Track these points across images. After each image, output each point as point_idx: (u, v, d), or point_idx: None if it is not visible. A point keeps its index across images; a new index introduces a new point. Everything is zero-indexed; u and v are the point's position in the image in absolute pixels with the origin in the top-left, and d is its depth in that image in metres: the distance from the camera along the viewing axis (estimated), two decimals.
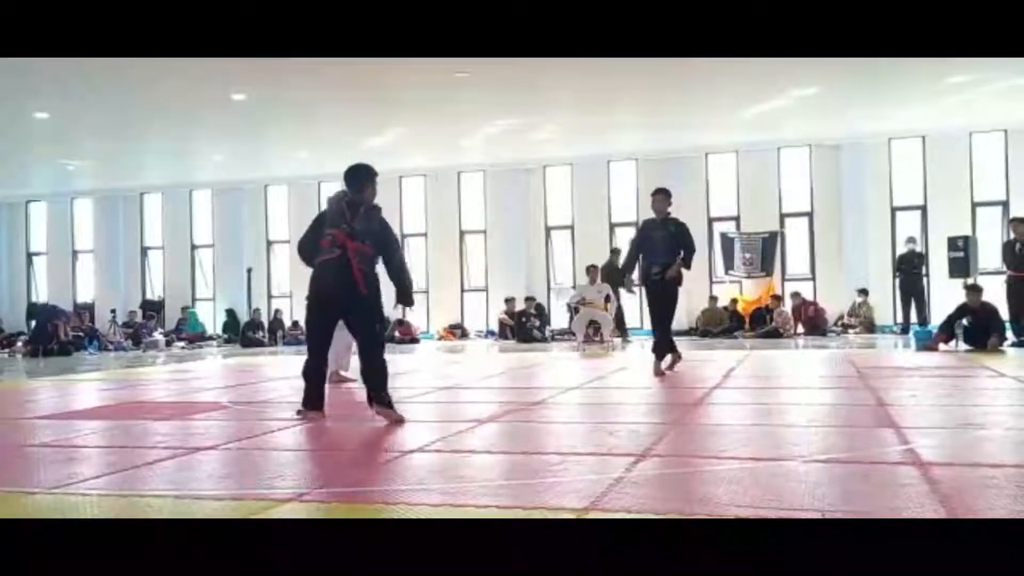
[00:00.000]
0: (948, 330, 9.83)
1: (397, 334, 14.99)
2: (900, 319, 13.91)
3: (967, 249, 12.07)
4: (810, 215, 15.20)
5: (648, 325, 15.24)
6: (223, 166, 16.46)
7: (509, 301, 15.49)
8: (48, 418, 5.47)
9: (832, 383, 6.66)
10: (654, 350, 7.23)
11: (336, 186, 18.77)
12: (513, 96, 11.81)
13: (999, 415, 4.69)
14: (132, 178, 17.60)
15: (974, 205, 14.38)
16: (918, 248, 13.90)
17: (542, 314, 15.29)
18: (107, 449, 4.27)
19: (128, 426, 5.03)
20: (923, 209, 14.64)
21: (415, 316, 15.48)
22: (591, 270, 12.67)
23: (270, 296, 17.77)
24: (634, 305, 15.68)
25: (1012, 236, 11.40)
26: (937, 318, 11.97)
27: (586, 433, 4.57)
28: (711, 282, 15.46)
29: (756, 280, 15.01)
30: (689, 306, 15.25)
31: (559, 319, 15.54)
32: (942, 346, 9.70)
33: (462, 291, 16.83)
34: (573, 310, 13.49)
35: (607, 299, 11.93)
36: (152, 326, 16.81)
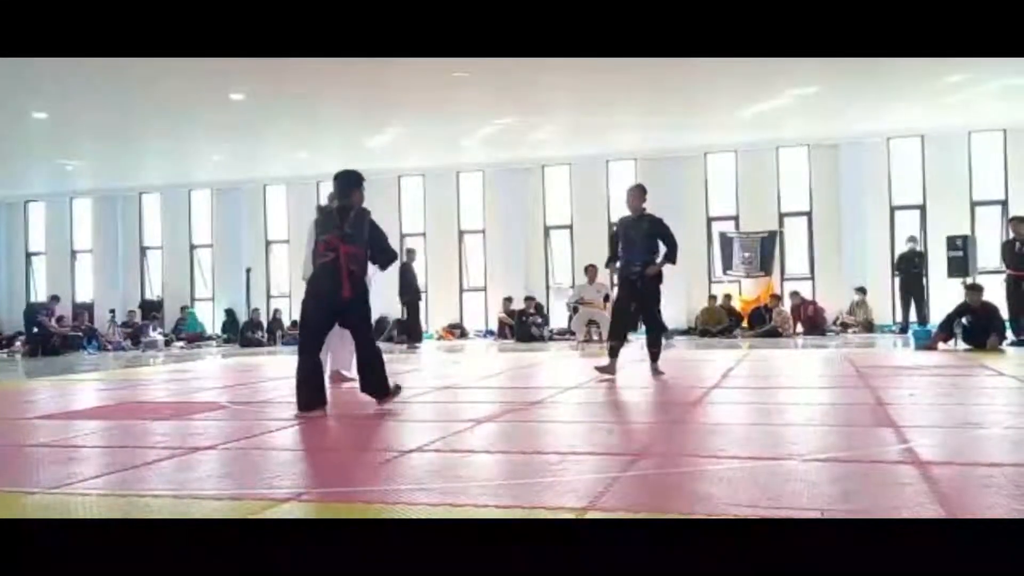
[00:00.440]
0: (947, 329, 9.83)
1: (396, 334, 14.99)
2: (899, 318, 13.91)
3: (966, 248, 12.08)
4: (809, 214, 15.21)
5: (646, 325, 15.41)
6: (222, 166, 16.46)
7: (507, 301, 15.50)
8: (47, 418, 5.47)
9: (831, 382, 6.66)
10: (650, 347, 7.09)
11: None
12: (512, 96, 11.81)
13: (998, 414, 4.69)
14: (131, 178, 17.59)
15: (973, 204, 14.39)
16: (918, 247, 13.92)
17: (541, 313, 15.29)
18: (106, 449, 4.27)
19: (127, 426, 5.03)
20: (922, 208, 14.65)
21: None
22: (590, 270, 12.68)
23: (269, 296, 17.77)
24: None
25: (1011, 235, 11.41)
26: (936, 317, 11.98)
27: (585, 432, 4.57)
28: (710, 281, 15.47)
29: (755, 280, 15.02)
30: (688, 305, 15.29)
31: (558, 319, 15.55)
32: (941, 345, 9.71)
33: (461, 291, 16.84)
34: (572, 309, 13.51)
35: (606, 298, 11.94)
36: (152, 326, 16.79)
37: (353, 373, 6.68)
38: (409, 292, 13.32)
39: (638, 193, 7.06)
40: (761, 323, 14.10)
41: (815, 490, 2.86)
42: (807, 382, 6.82)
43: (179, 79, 10.32)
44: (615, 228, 7.27)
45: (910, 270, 13.65)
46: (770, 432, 4.34)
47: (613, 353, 6.92)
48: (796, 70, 10.68)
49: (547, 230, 16.50)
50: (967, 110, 13.07)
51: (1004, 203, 14.16)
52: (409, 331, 13.59)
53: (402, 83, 10.79)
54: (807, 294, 14.82)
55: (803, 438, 3.97)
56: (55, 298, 16.78)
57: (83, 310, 17.89)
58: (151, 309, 17.70)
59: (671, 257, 6.96)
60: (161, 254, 18.74)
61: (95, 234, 18.92)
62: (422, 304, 14.26)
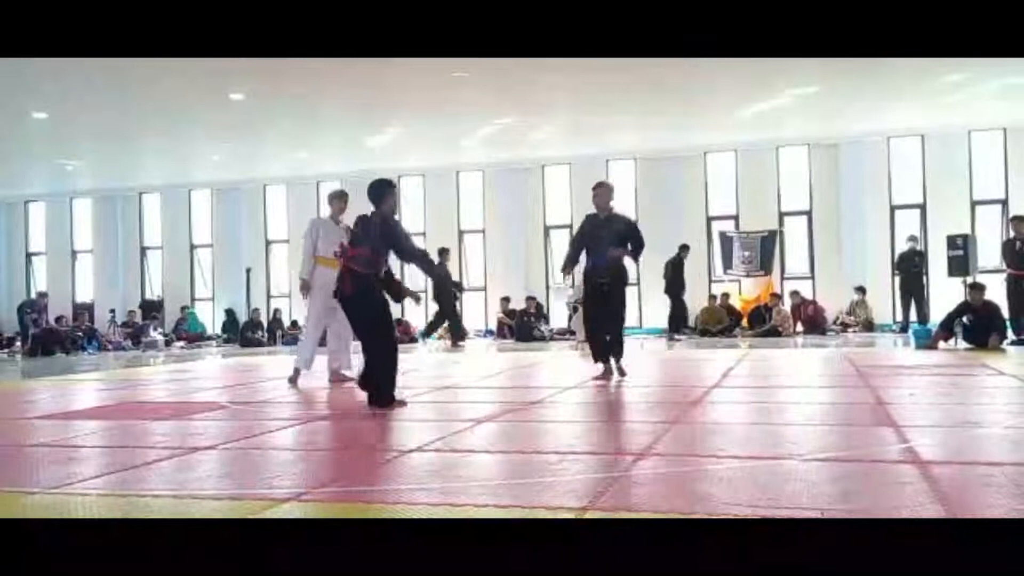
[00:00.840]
0: (948, 328, 9.82)
1: (396, 333, 14.98)
2: (899, 317, 13.92)
3: (966, 247, 12.08)
4: (809, 214, 15.21)
5: (646, 324, 15.43)
6: (222, 166, 16.46)
7: (505, 301, 15.49)
8: (47, 418, 5.47)
9: (831, 382, 6.66)
10: (596, 353, 6.69)
11: (335, 185, 18.68)
12: (512, 95, 11.81)
13: (998, 413, 4.69)
14: (131, 178, 17.59)
15: (973, 203, 14.39)
16: (918, 246, 13.92)
17: (541, 313, 15.30)
18: (106, 449, 4.27)
19: (127, 426, 5.03)
20: (922, 207, 14.65)
21: (414, 316, 15.48)
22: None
23: (269, 296, 17.77)
24: (631, 304, 15.72)
25: (1012, 234, 11.41)
26: (936, 317, 11.98)
27: (585, 432, 4.57)
28: (710, 281, 15.48)
29: (755, 279, 15.02)
30: (689, 305, 15.29)
31: (558, 318, 15.55)
32: (941, 344, 9.70)
33: (460, 290, 16.83)
34: (572, 309, 13.51)
35: None
36: (152, 326, 16.80)
37: (353, 373, 6.70)
38: (443, 292, 13.40)
39: (606, 192, 6.68)
40: (761, 322, 14.10)
41: (815, 490, 2.86)
42: (807, 381, 6.82)
43: (179, 79, 10.32)
44: (578, 228, 6.92)
45: (910, 269, 13.64)
46: (770, 432, 4.35)
47: (603, 357, 6.69)
48: (796, 70, 10.68)
49: (547, 230, 16.50)
50: (967, 109, 13.07)
51: (1004, 202, 14.16)
52: (451, 330, 13.74)
53: (402, 83, 10.79)
54: (807, 293, 14.82)
55: (803, 438, 3.97)
56: (42, 294, 16.78)
57: (83, 310, 17.89)
58: (151, 309, 17.71)
59: (635, 255, 6.66)
60: (161, 254, 18.74)
61: (95, 234, 18.93)
62: (420, 304, 14.29)
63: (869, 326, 14.15)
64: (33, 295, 18.99)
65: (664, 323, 15.05)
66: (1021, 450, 3.60)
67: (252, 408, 5.72)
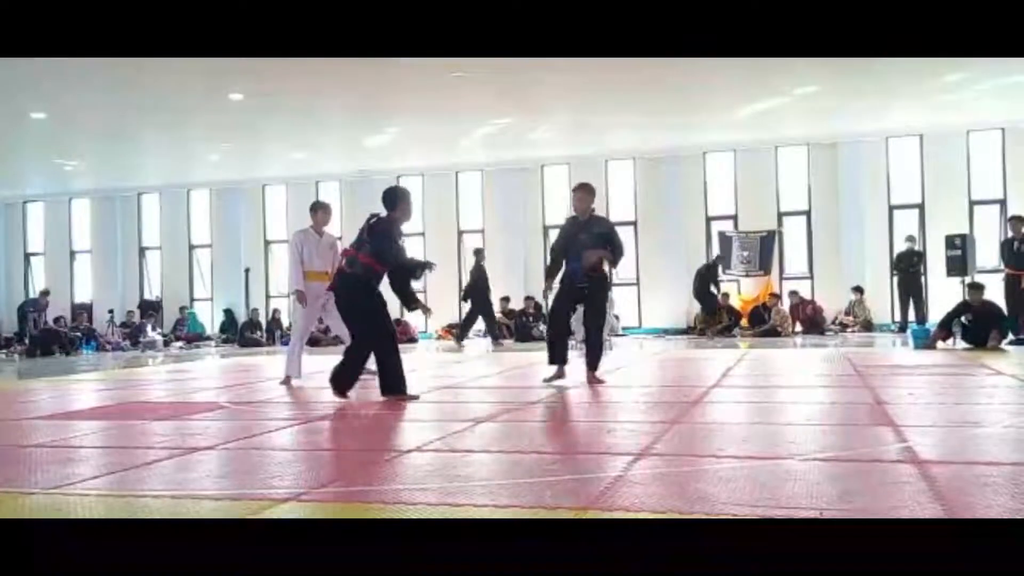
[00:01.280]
0: (947, 328, 9.83)
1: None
2: (898, 317, 13.92)
3: (965, 247, 12.09)
4: (808, 214, 15.22)
5: (647, 324, 15.43)
6: (221, 166, 16.46)
7: (504, 301, 15.49)
8: (46, 418, 5.47)
9: (830, 381, 6.66)
10: (589, 353, 6.48)
11: (334, 185, 18.59)
12: (511, 95, 11.81)
13: (997, 413, 4.70)
14: (130, 178, 17.58)
15: (972, 203, 14.40)
16: (916, 246, 13.93)
17: (540, 313, 15.29)
18: (105, 449, 4.27)
19: (126, 426, 5.03)
20: (921, 207, 14.66)
21: (413, 316, 15.47)
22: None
23: (268, 296, 17.76)
24: (631, 304, 15.72)
25: (1010, 234, 11.42)
26: (935, 316, 11.99)
27: (584, 432, 4.58)
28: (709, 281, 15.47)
29: (754, 279, 15.03)
30: (688, 305, 15.30)
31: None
32: (940, 344, 9.70)
33: (460, 291, 16.82)
34: (571, 309, 13.51)
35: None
36: (150, 325, 16.79)
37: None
38: (475, 293, 13.47)
39: (585, 194, 6.48)
40: (760, 322, 14.11)
41: (814, 489, 2.86)
42: (806, 381, 6.82)
43: (178, 79, 10.31)
44: (558, 233, 6.66)
45: (908, 269, 13.66)
46: (769, 432, 4.35)
47: (560, 359, 6.47)
48: (795, 70, 10.68)
49: (546, 230, 16.48)
50: (966, 109, 13.08)
51: (1003, 202, 14.17)
52: (490, 332, 13.93)
53: (401, 83, 10.78)
54: (806, 293, 14.83)
55: (802, 437, 3.97)
56: (45, 292, 16.77)
57: (82, 310, 17.88)
58: (150, 309, 17.70)
59: (614, 261, 6.52)
60: (160, 254, 18.73)
61: (94, 234, 18.91)
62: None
63: (868, 326, 14.16)
64: (33, 295, 19.01)
65: (664, 323, 15.09)
66: (1020, 450, 3.61)
67: (251, 408, 5.72)
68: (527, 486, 3.05)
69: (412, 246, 16.83)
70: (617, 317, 14.43)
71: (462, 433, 4.34)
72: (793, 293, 14.65)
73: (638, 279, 15.82)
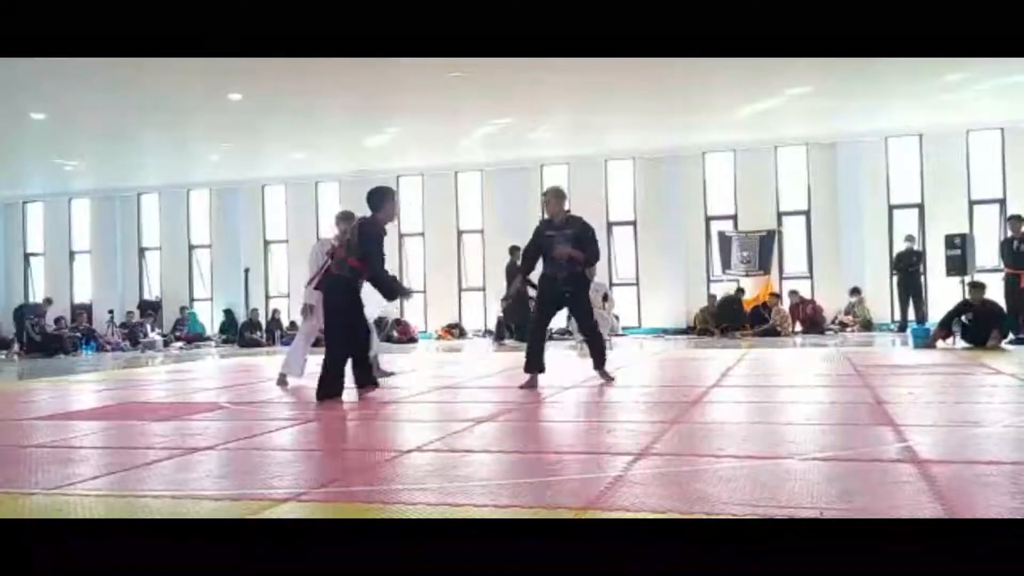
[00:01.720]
0: (947, 327, 9.83)
1: (396, 334, 15.00)
2: (898, 317, 13.93)
3: (964, 247, 12.09)
4: (807, 213, 15.22)
5: (646, 324, 15.43)
6: (220, 166, 16.46)
7: (506, 300, 15.48)
8: (46, 419, 5.47)
9: (830, 381, 6.66)
10: (594, 354, 6.48)
11: (333, 186, 18.63)
12: (510, 95, 11.81)
13: (997, 412, 4.70)
14: (129, 178, 17.58)
15: (971, 203, 14.40)
16: (916, 246, 13.93)
17: None
18: (105, 450, 4.27)
19: (126, 427, 5.03)
20: (920, 207, 14.66)
21: (413, 316, 15.49)
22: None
23: (268, 296, 17.76)
24: (630, 304, 15.73)
25: (1010, 233, 11.42)
26: (935, 316, 11.99)
27: (584, 432, 4.58)
28: (709, 281, 15.49)
29: (754, 279, 15.03)
30: (687, 305, 15.32)
31: (557, 318, 15.52)
32: (940, 343, 9.70)
33: (460, 291, 16.83)
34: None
35: (604, 298, 11.94)
36: (149, 324, 16.78)
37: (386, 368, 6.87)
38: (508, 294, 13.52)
39: (553, 199, 6.39)
40: (760, 322, 14.11)
41: (814, 489, 2.86)
42: (806, 381, 6.82)
43: (177, 79, 10.31)
44: (534, 232, 6.54)
45: (908, 269, 13.66)
46: (769, 431, 4.35)
47: (536, 368, 6.31)
48: (794, 70, 10.68)
49: None
50: (965, 109, 13.08)
51: (1002, 201, 14.17)
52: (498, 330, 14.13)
53: (401, 83, 10.79)
54: (806, 293, 14.83)
55: (802, 437, 3.98)
56: (48, 301, 16.74)
57: (82, 311, 17.88)
58: (149, 309, 17.70)
59: (587, 263, 6.34)
60: (160, 254, 18.73)
61: (94, 235, 18.91)
62: (420, 304, 14.31)
63: (867, 325, 14.16)
64: (32, 297, 19.02)
65: (663, 323, 15.10)
66: (1020, 449, 3.61)
67: (251, 408, 5.72)
68: (527, 486, 3.05)
69: (412, 246, 16.90)
70: (617, 317, 14.44)
71: (462, 433, 4.34)
72: (793, 293, 14.66)
73: (638, 279, 15.83)
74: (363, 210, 5.92)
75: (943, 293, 12.73)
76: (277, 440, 4.39)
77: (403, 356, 11.00)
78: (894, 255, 14.22)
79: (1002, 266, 11.50)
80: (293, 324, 16.34)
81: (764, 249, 14.90)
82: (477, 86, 11.02)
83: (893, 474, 3.08)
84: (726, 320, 14.04)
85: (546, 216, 6.51)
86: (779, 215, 15.30)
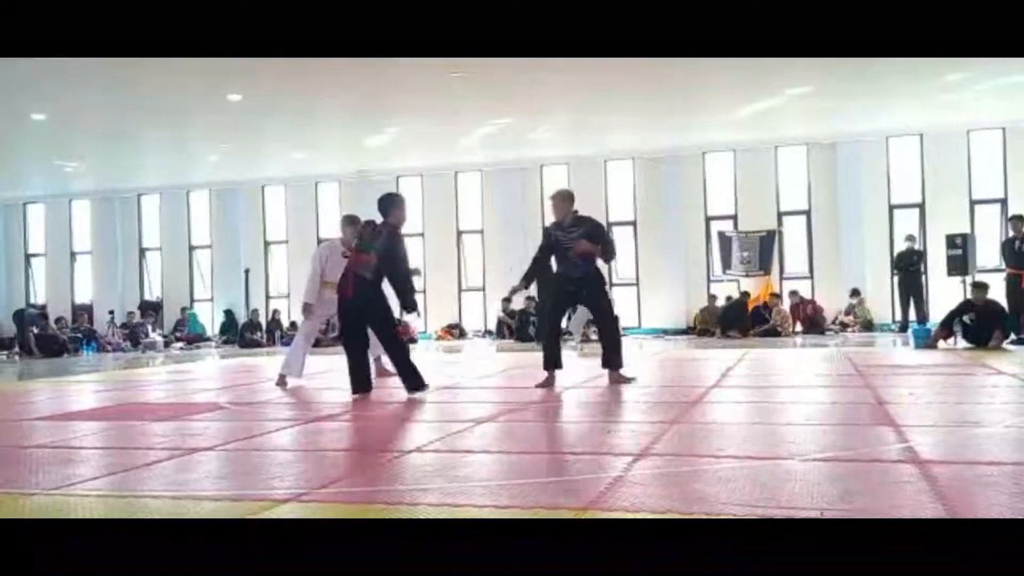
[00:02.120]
0: (948, 327, 9.82)
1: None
2: (899, 317, 13.93)
3: (965, 247, 12.09)
4: (808, 213, 15.22)
5: (646, 324, 15.41)
6: (220, 167, 16.46)
7: (506, 301, 15.50)
8: (46, 419, 5.47)
9: (830, 381, 6.66)
10: (610, 355, 6.38)
11: (333, 186, 18.59)
12: (510, 96, 11.81)
13: (998, 412, 4.69)
14: (129, 179, 17.58)
15: (972, 203, 14.39)
16: (917, 246, 13.93)
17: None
18: (105, 450, 4.27)
19: (126, 427, 5.03)
20: (921, 207, 14.66)
21: (413, 316, 15.46)
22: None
23: (268, 297, 17.76)
24: (630, 304, 15.72)
25: (1011, 233, 11.42)
26: (936, 316, 11.98)
27: (584, 432, 4.58)
28: (709, 281, 15.49)
29: (754, 279, 15.03)
30: (688, 305, 15.31)
31: None
32: (941, 344, 9.69)
33: (460, 291, 16.83)
34: (571, 309, 13.50)
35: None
36: (150, 324, 16.78)
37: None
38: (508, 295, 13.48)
39: (561, 201, 6.37)
40: (761, 322, 14.11)
41: (814, 489, 2.86)
42: (806, 381, 6.82)
43: (177, 80, 10.31)
44: (545, 236, 6.54)
45: (909, 269, 13.66)
46: (769, 431, 4.35)
47: (554, 365, 6.36)
48: (794, 69, 10.68)
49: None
50: (966, 108, 13.07)
51: (1003, 201, 14.16)
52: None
53: (401, 83, 10.78)
54: (806, 293, 14.83)
55: (802, 437, 3.97)
56: (43, 315, 16.59)
57: (82, 311, 17.87)
58: (150, 310, 17.70)
59: (605, 256, 6.39)
60: (160, 255, 18.73)
61: (94, 235, 18.91)
62: (419, 304, 14.26)
63: (868, 326, 14.16)
64: (33, 297, 19.02)
65: (663, 324, 15.09)
66: (1021, 449, 3.60)
67: (251, 409, 5.72)
68: (527, 486, 3.05)
69: (412, 247, 16.88)
70: (617, 318, 14.42)
71: (462, 433, 4.34)
72: (793, 293, 14.65)
73: (637, 279, 15.82)
74: (363, 210, 5.96)
75: (944, 293, 12.72)
76: (277, 440, 4.39)
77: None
78: (895, 255, 14.21)
79: (1003, 266, 11.49)
80: (293, 324, 16.33)
81: (764, 249, 14.89)
82: (477, 86, 11.01)
83: (894, 474, 3.07)
84: (731, 323, 14.02)
85: (554, 219, 6.49)
86: (779, 215, 15.29)
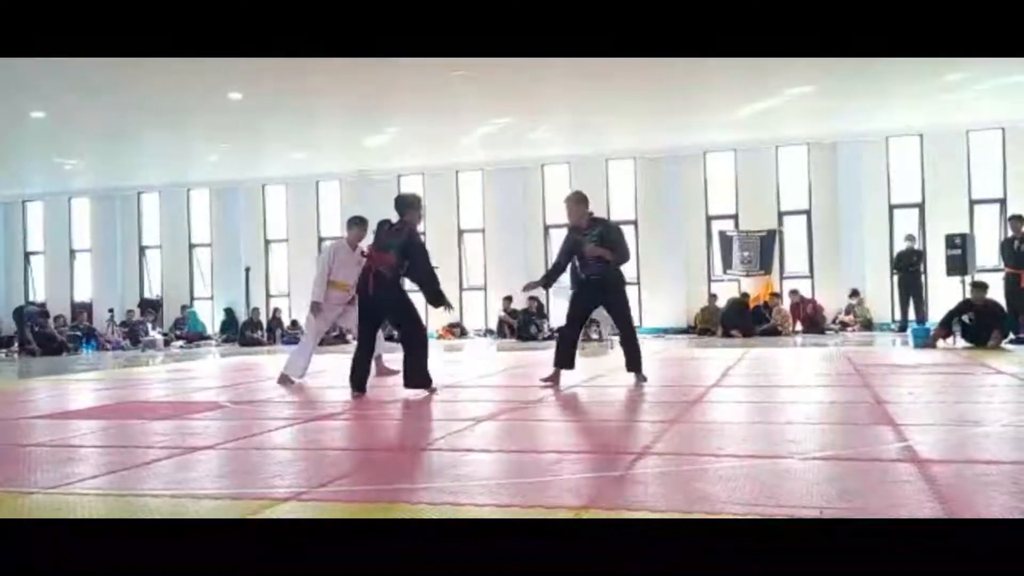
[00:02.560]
0: (947, 326, 9.82)
1: (396, 333, 15.00)
2: (898, 316, 13.93)
3: (965, 246, 12.08)
4: (808, 213, 15.22)
5: (647, 324, 15.41)
6: (220, 165, 16.46)
7: (507, 300, 15.50)
8: (45, 418, 5.47)
9: (830, 381, 6.66)
10: (631, 355, 6.38)
11: (334, 185, 18.61)
12: (511, 95, 11.81)
13: (997, 412, 4.70)
14: (129, 177, 17.58)
15: (972, 203, 14.40)
16: (916, 246, 13.93)
17: (542, 313, 15.31)
18: (105, 449, 4.27)
19: (126, 426, 5.03)
20: (921, 207, 14.66)
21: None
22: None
23: (268, 295, 17.76)
24: (631, 303, 15.70)
25: (1010, 233, 11.42)
26: (935, 316, 11.98)
27: (584, 431, 4.58)
28: (709, 281, 15.49)
29: (755, 278, 15.03)
30: (688, 305, 15.32)
31: (558, 318, 15.54)
32: (940, 343, 9.69)
33: (460, 290, 16.82)
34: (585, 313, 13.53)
35: None
36: (149, 324, 16.77)
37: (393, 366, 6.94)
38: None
39: (574, 204, 6.39)
40: (761, 321, 14.11)
41: (814, 488, 2.86)
42: (806, 380, 6.82)
43: (177, 78, 10.31)
44: (565, 240, 6.55)
45: (908, 268, 13.66)
46: (769, 431, 4.35)
47: (564, 364, 6.40)
48: (795, 69, 10.68)
49: (546, 229, 16.49)
50: (966, 109, 13.07)
51: (1003, 201, 14.17)
52: None
53: (401, 82, 10.78)
54: (806, 292, 14.83)
55: (802, 436, 3.98)
56: (45, 313, 16.61)
57: (82, 309, 17.87)
58: (149, 308, 17.70)
59: (616, 262, 6.32)
60: (160, 253, 18.73)
61: (94, 233, 18.91)
62: (418, 303, 14.24)
63: (868, 325, 14.16)
64: (32, 295, 19.01)
65: (664, 323, 15.08)
66: (1020, 448, 3.61)
67: (251, 408, 5.72)
68: (527, 485, 3.05)
69: None
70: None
71: (463, 432, 4.34)
72: (793, 292, 14.66)
73: (638, 279, 15.81)
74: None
75: (943, 293, 12.72)
76: (277, 439, 4.39)
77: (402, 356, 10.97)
78: (894, 255, 14.21)
79: (1002, 266, 11.49)
80: (294, 323, 16.35)
81: (765, 249, 14.89)
82: (477, 86, 11.01)
83: (893, 473, 3.08)
84: (733, 323, 14.01)
85: (568, 222, 6.52)
86: (780, 215, 15.30)
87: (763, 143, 14.95)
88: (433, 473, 3.32)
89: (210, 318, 17.92)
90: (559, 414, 5.23)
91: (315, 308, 7.16)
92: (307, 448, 4.23)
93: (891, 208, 14.85)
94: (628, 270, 6.73)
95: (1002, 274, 11.31)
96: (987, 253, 13.07)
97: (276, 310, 16.86)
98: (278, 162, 16.49)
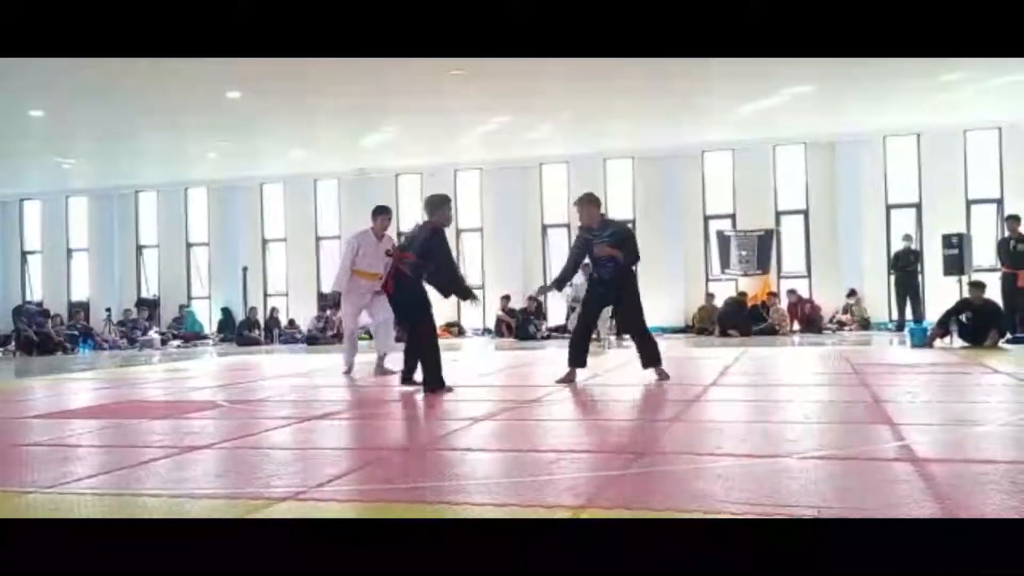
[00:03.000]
0: (944, 325, 9.83)
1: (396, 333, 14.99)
2: (895, 316, 13.95)
3: (962, 246, 12.10)
4: (806, 213, 15.24)
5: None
6: (218, 164, 16.44)
7: (505, 299, 15.50)
8: (42, 417, 5.46)
9: (828, 380, 6.67)
10: (645, 353, 6.42)
11: (332, 184, 18.64)
12: (509, 94, 11.81)
13: (994, 411, 4.70)
14: (127, 176, 17.55)
15: (969, 202, 14.42)
16: (914, 245, 13.95)
17: (541, 312, 15.32)
18: (102, 448, 4.26)
19: (123, 425, 5.02)
20: (918, 206, 14.68)
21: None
22: (586, 268, 12.68)
23: (266, 295, 17.75)
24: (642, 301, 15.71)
25: (1007, 233, 11.44)
26: (932, 315, 12.00)
27: (583, 430, 4.58)
28: (707, 280, 15.50)
29: (752, 278, 15.04)
30: (686, 304, 15.32)
31: (557, 317, 15.55)
32: (938, 342, 9.70)
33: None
34: (570, 308, 13.52)
35: None
36: (146, 324, 16.75)
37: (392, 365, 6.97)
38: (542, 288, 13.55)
39: (585, 207, 6.44)
40: (758, 321, 14.13)
41: (812, 488, 2.86)
42: (804, 380, 6.82)
43: (176, 77, 10.30)
44: (577, 241, 6.66)
45: (905, 268, 13.68)
46: (767, 430, 4.35)
47: (577, 363, 6.45)
48: (792, 68, 10.69)
49: (544, 228, 16.50)
50: (963, 108, 13.10)
51: (1000, 201, 14.19)
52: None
53: (399, 82, 10.77)
54: (804, 292, 14.85)
55: (800, 436, 3.98)
56: (45, 312, 16.61)
57: (79, 309, 17.84)
58: (147, 307, 17.68)
59: (627, 261, 6.39)
60: (158, 252, 18.71)
61: (91, 232, 18.88)
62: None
63: (865, 325, 14.18)
64: (30, 294, 18.98)
65: (662, 322, 15.08)
66: (1017, 448, 3.61)
67: (249, 407, 5.72)
68: (526, 485, 3.05)
69: None
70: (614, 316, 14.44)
71: (461, 431, 4.34)
72: (791, 292, 14.68)
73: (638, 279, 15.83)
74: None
75: (940, 292, 12.74)
76: (275, 439, 4.39)
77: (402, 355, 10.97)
78: (892, 254, 14.23)
79: (999, 265, 11.51)
80: (292, 322, 16.35)
81: (762, 248, 14.91)
82: (477, 85, 11.01)
83: (890, 473, 3.08)
84: (730, 323, 14.03)
85: (581, 224, 6.57)
86: (777, 214, 15.31)
87: (761, 143, 14.97)
88: (432, 472, 3.32)
89: (207, 317, 17.90)
90: (558, 413, 5.23)
91: (335, 298, 7.54)
92: (305, 448, 4.23)
93: (888, 208, 14.87)
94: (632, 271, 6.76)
95: (999, 274, 11.33)
96: (984, 253, 13.10)
97: (274, 309, 16.84)
98: (276, 161, 16.47)
